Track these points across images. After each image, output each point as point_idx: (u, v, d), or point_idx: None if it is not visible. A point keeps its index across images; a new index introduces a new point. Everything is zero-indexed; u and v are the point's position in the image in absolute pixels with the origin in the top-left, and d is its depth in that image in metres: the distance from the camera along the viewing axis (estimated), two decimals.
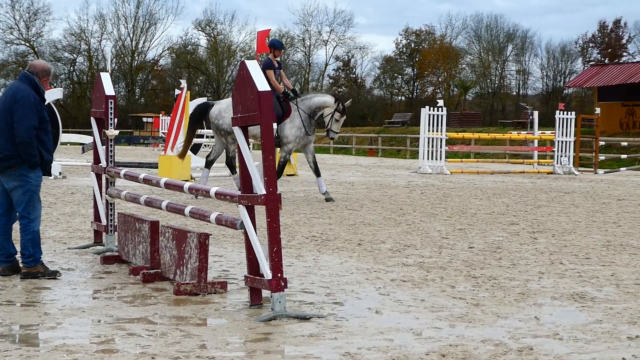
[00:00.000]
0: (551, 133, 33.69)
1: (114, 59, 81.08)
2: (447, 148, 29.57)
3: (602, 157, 35.03)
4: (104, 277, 8.39)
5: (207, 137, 34.56)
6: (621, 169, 35.03)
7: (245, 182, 6.86)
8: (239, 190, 7.09)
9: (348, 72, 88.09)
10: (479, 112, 69.94)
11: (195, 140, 28.74)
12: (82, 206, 14.83)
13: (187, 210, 7.83)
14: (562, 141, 31.08)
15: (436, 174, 28.23)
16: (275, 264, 6.57)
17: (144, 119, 71.68)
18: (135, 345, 5.76)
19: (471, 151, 39.79)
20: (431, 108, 29.43)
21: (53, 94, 20.86)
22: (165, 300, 7.29)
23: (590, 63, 73.53)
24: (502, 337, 6.13)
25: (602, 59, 78.33)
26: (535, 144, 34.83)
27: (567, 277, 8.67)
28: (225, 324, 6.44)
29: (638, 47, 80.00)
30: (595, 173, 32.21)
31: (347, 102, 17.51)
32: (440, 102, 29.65)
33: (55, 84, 65.44)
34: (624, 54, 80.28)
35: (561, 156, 31.06)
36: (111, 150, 9.73)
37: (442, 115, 29.23)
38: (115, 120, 9.73)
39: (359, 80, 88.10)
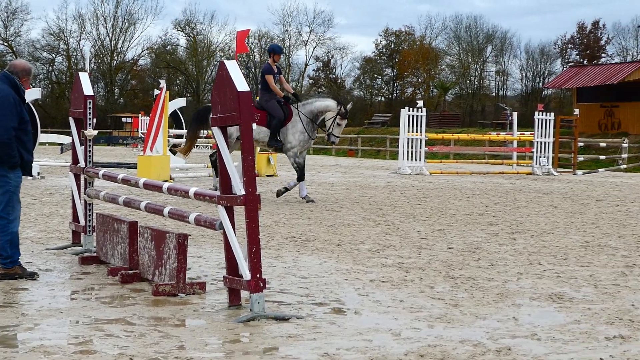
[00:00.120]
0: (530, 134, 33.81)
1: (93, 59, 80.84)
2: (426, 149, 29.62)
3: (580, 158, 35.20)
4: (82, 277, 8.35)
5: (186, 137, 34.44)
6: (600, 169, 35.20)
7: (225, 182, 6.84)
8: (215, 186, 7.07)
9: (328, 72, 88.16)
10: (458, 113, 70.11)
11: (175, 141, 28.74)
12: (61, 206, 14.77)
13: (166, 211, 7.81)
14: (541, 142, 31.18)
15: (416, 174, 28.27)
16: (254, 265, 6.56)
17: (123, 119, 71.47)
18: (114, 346, 5.74)
19: (450, 152, 39.87)
20: (411, 109, 29.47)
21: (31, 94, 20.80)
22: (144, 301, 7.27)
23: (569, 64, 73.85)
24: (481, 337, 6.14)
25: (581, 60, 78.72)
26: (515, 145, 34.93)
27: (546, 278, 8.70)
28: (203, 325, 6.43)
29: (617, 48, 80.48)
30: (574, 174, 32.34)
31: (349, 105, 17.52)
32: (420, 103, 29.69)
33: (34, 84, 65.13)
34: (603, 55, 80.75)
35: (540, 157, 31.16)
36: (90, 151, 9.69)
37: (421, 116, 29.27)
38: (94, 120, 9.69)
39: (339, 81, 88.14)
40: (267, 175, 24.55)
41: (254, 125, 16.80)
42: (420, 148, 29.11)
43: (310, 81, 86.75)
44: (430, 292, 7.86)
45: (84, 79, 9.75)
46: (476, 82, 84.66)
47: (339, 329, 6.32)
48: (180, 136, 31.88)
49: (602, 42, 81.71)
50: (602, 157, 38.16)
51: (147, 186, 8.39)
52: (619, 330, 6.41)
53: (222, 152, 6.85)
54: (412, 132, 29.11)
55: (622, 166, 37.28)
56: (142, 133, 45.14)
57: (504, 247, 10.90)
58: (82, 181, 9.85)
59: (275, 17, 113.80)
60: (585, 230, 12.95)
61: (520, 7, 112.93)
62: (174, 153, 24.11)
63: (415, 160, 29.08)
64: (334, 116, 16.89)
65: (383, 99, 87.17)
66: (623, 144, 39.80)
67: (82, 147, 9.74)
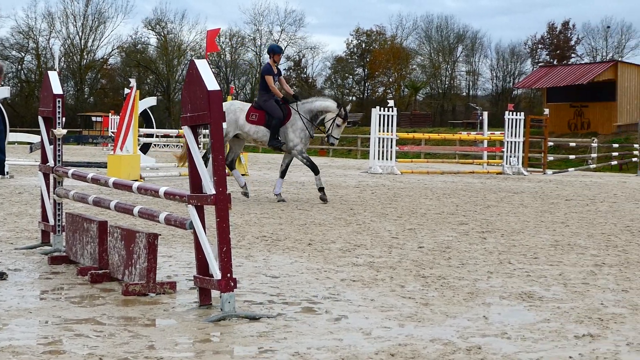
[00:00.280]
0: (500, 134, 33.98)
1: (63, 58, 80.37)
2: (397, 148, 29.69)
3: (550, 158, 35.39)
4: (51, 277, 8.29)
5: (156, 136, 34.37)
6: (569, 169, 35.41)
7: (195, 182, 6.82)
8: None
9: (299, 72, 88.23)
10: (429, 113, 70.40)
11: (145, 140, 28.64)
12: (30, 206, 14.67)
13: (135, 210, 7.77)
14: (511, 142, 31.35)
15: (387, 174, 28.33)
16: (225, 264, 6.54)
17: (93, 118, 71.16)
18: (83, 346, 5.70)
19: (421, 151, 39.98)
20: (382, 108, 29.54)
21: (0, 93, 20.64)
22: (114, 300, 7.23)
23: (539, 64, 74.34)
24: (451, 336, 6.15)
25: (551, 60, 79.24)
26: (485, 145, 35.09)
27: (516, 277, 8.73)
28: (174, 325, 6.40)
29: (586, 48, 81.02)
30: (544, 173, 32.52)
31: (348, 107, 17.51)
32: (391, 103, 29.77)
33: (2, 83, 64.73)
34: (573, 55, 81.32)
35: (510, 156, 31.33)
36: (59, 150, 9.62)
37: (392, 116, 29.35)
38: (64, 119, 9.62)
39: (310, 80, 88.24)
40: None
41: (254, 126, 16.81)
42: (391, 147, 29.18)
43: None
44: (401, 291, 7.87)
45: (53, 77, 9.68)
46: (447, 82, 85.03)
47: (309, 328, 6.31)
48: (151, 135, 31.81)
49: (572, 43, 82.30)
50: (572, 156, 38.41)
51: (117, 185, 8.35)
52: (588, 329, 6.45)
53: (192, 151, 6.82)
54: (383, 131, 29.18)
55: (591, 166, 37.53)
56: (112, 132, 44.94)
57: (474, 246, 10.93)
58: (51, 180, 9.78)
59: (246, 17, 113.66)
60: (555, 230, 13.02)
61: (491, 7, 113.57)
62: (145, 152, 24.01)
63: (386, 159, 29.14)
64: (333, 117, 16.87)
65: (354, 98, 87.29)
66: (592, 144, 40.11)
67: (52, 146, 9.67)
